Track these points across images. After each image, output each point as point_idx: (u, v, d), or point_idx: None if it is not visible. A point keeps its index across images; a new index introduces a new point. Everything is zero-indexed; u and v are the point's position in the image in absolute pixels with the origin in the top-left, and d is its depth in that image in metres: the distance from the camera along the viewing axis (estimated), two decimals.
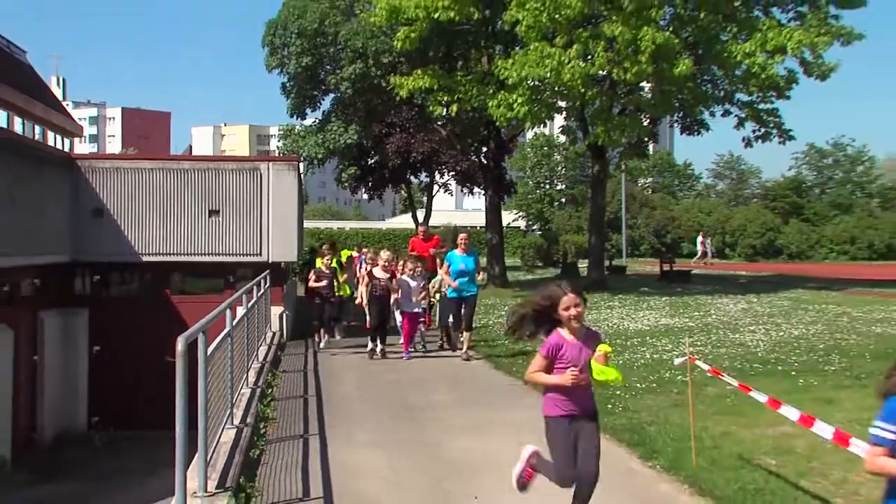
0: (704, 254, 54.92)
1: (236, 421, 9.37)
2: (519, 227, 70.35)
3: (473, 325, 17.15)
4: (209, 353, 7.11)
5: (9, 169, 16.52)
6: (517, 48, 27.67)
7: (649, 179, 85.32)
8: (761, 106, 29.19)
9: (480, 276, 16.48)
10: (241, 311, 11.24)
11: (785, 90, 27.99)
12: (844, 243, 65.80)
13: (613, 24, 24.49)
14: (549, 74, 24.68)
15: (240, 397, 10.46)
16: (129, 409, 18.87)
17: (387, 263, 16.53)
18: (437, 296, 17.95)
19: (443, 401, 11.88)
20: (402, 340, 16.49)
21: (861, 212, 70.60)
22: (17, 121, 22.86)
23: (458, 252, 15.96)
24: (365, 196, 51.57)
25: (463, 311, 16.13)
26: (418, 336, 17.43)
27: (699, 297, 26.08)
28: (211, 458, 7.27)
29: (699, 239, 57.03)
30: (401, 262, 17.35)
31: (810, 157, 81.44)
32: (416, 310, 16.58)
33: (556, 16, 24.62)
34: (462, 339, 16.40)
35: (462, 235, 16.35)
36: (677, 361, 9.10)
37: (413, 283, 16.34)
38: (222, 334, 8.60)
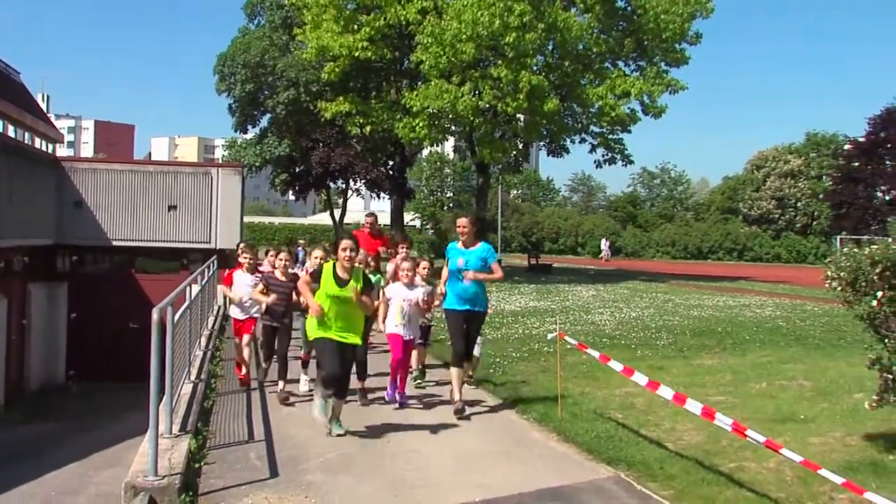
0: (609, 252, 58.30)
1: (192, 377, 9.21)
2: (416, 225, 70.44)
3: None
4: (175, 320, 7.03)
5: (9, 167, 16.69)
6: (420, 83, 27.73)
7: (520, 191, 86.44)
8: (610, 136, 29.87)
9: (495, 274, 8.78)
10: (196, 288, 11.03)
11: (628, 125, 28.78)
12: (668, 245, 67.98)
13: (499, 68, 24.86)
14: (446, 106, 24.85)
15: (194, 358, 10.25)
16: (99, 365, 18.74)
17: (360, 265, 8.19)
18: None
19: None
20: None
21: (680, 221, 72.92)
22: (11, 128, 22.49)
23: (459, 244, 8.70)
24: (292, 197, 51.08)
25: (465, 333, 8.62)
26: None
27: (559, 285, 26.53)
28: (175, 406, 7.17)
29: (603, 241, 59.94)
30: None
31: (643, 177, 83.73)
32: (411, 335, 8.86)
33: (453, 59, 24.83)
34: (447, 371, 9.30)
35: (462, 220, 8.77)
36: (549, 336, 9.22)
37: (413, 294, 8.83)
38: (184, 306, 8.44)
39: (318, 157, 41.48)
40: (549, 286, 25.95)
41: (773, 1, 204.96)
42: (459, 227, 8.70)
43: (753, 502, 5.65)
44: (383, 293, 9.12)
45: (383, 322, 8.77)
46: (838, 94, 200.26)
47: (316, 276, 7.33)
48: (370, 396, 9.00)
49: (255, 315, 10.02)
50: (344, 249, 7.25)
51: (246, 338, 9.99)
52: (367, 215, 14.32)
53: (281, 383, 9.04)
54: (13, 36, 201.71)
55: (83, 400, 17.56)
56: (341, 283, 7.19)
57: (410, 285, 8.91)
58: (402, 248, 11.35)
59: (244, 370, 9.84)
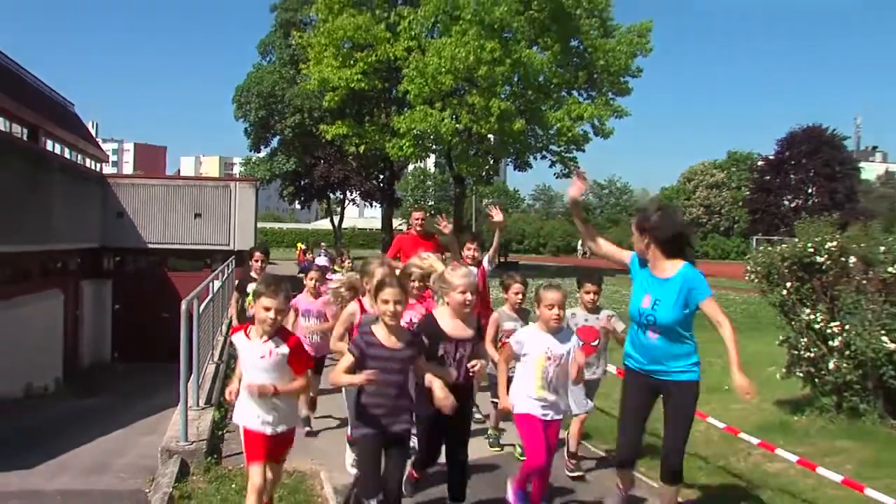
0: (585, 252, 58.68)
1: (215, 359, 9.19)
2: (402, 230, 70.38)
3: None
4: (201, 311, 7.01)
5: (65, 184, 17.06)
6: (406, 109, 27.75)
7: (491, 200, 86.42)
8: (566, 154, 30.00)
9: (724, 327, 3.95)
10: (217, 283, 11.00)
11: (582, 144, 28.90)
12: (616, 245, 68.31)
13: (473, 96, 25.00)
14: (429, 128, 24.92)
15: (216, 343, 10.21)
16: (138, 348, 18.80)
17: (465, 291, 4.01)
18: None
19: None
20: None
21: (625, 225, 73.27)
22: (67, 151, 22.68)
23: (650, 257, 4.14)
24: (298, 206, 50.84)
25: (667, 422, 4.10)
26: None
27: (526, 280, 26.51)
28: (201, 383, 7.17)
29: (580, 242, 60.75)
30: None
31: (594, 188, 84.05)
32: (557, 414, 4.22)
33: (435, 88, 24.92)
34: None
35: (640, 221, 4.32)
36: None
37: (565, 347, 4.20)
38: (207, 299, 8.44)
39: (320, 171, 41.23)
40: None
41: (698, 45, 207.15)
42: (637, 229, 4.32)
43: (687, 459, 5.74)
44: (504, 343, 4.73)
45: (506, 391, 4.32)
46: (754, 117, 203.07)
47: None
48: None
49: (285, 429, 4.03)
50: None
51: (257, 473, 3.91)
52: (415, 210, 8.56)
53: None
54: (71, 71, 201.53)
55: (125, 377, 17.58)
56: None
57: (559, 330, 4.26)
58: (470, 249, 6.78)
59: None
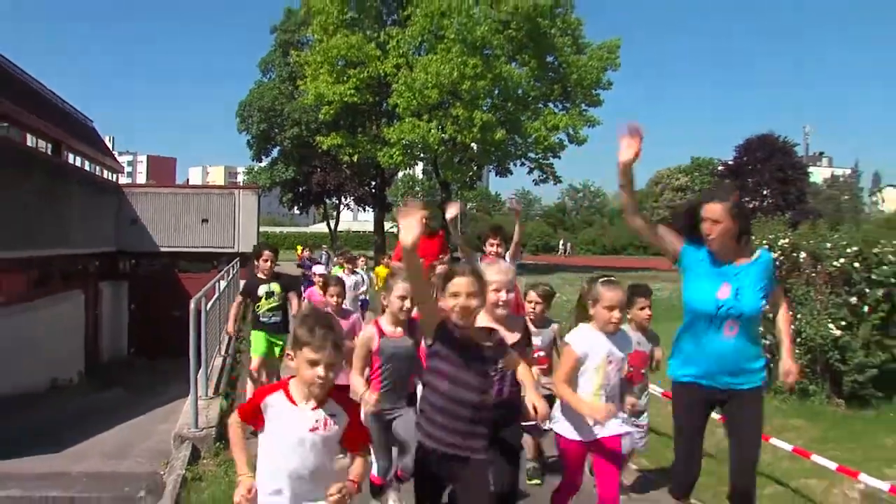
0: (565, 250, 59.13)
1: (222, 353, 9.23)
2: (393, 232, 70.31)
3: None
4: (208, 309, 7.06)
5: (84, 193, 17.17)
6: (396, 121, 27.79)
7: (474, 203, 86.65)
8: (543, 161, 30.14)
9: (784, 320, 3.37)
10: (223, 283, 11.02)
11: (558, 152, 29.05)
12: (590, 244, 68.67)
13: (457, 108, 25.05)
14: (417, 138, 24.98)
15: (223, 338, 10.24)
16: (152, 344, 18.76)
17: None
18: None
19: None
20: None
21: (598, 226, 73.67)
22: (87, 164, 22.70)
23: (710, 234, 3.29)
24: (297, 211, 50.80)
25: (736, 445, 3.30)
26: None
27: None
28: (209, 375, 7.20)
29: (561, 241, 61.21)
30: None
31: (570, 192, 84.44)
32: (621, 429, 3.37)
33: (422, 102, 24.96)
34: None
35: (711, 207, 3.30)
36: None
37: (622, 349, 3.43)
38: (214, 297, 8.49)
39: (317, 179, 41.16)
40: None
41: (661, 61, 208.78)
42: (707, 219, 3.36)
43: (653, 440, 5.82)
44: (564, 345, 3.54)
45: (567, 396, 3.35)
46: (714, 125, 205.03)
47: None
48: None
49: None
50: None
51: None
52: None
53: None
54: (90, 92, 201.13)
55: (140, 371, 17.51)
56: None
57: (617, 333, 3.43)
58: (493, 244, 5.60)
59: None
